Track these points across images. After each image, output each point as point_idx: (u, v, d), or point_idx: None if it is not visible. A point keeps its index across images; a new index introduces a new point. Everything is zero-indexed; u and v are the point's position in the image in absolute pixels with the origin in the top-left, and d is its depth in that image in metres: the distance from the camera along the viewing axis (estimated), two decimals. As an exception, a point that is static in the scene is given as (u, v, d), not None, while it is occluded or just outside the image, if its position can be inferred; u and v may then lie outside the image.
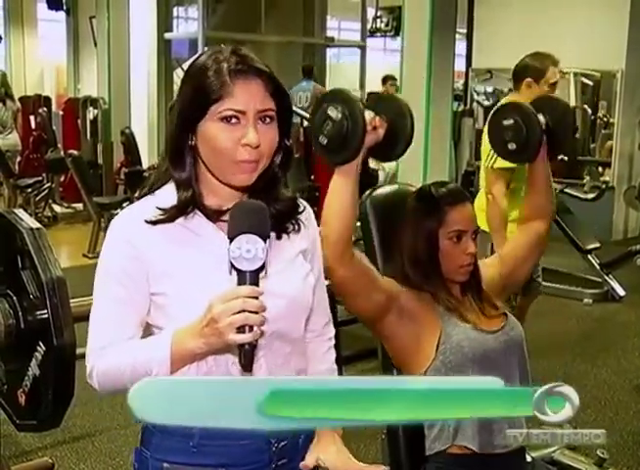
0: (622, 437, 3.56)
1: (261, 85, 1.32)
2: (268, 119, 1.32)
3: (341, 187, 1.72)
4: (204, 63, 1.33)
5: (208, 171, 1.36)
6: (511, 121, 2.04)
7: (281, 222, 1.41)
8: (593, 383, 4.25)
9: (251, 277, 1.20)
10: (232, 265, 1.20)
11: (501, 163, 3.43)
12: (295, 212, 1.45)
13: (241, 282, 1.20)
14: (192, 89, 1.33)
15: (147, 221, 1.35)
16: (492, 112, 2.18)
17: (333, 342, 1.58)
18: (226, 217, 1.33)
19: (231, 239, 1.20)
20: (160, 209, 1.35)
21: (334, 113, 1.65)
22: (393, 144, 1.73)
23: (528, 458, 2.11)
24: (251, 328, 1.19)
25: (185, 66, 9.43)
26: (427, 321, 1.92)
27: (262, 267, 1.20)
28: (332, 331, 1.58)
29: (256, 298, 1.19)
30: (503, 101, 3.83)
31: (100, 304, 1.38)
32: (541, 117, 2.04)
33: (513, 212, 3.35)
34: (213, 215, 1.37)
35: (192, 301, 1.29)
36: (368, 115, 1.67)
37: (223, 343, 1.22)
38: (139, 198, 1.42)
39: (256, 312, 1.19)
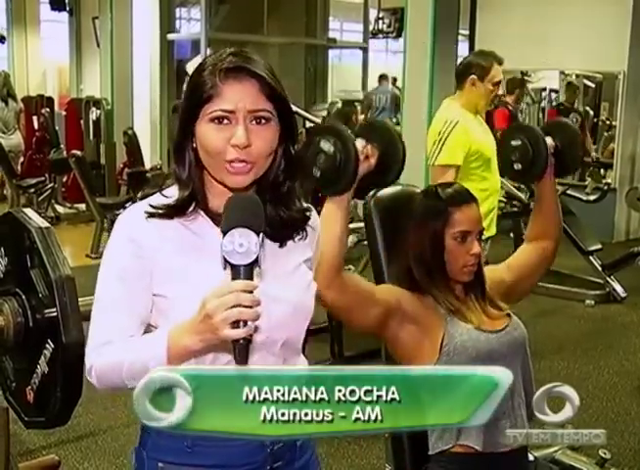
0: (624, 437, 3.57)
1: (256, 86, 1.30)
2: (263, 120, 1.30)
3: (332, 216, 1.74)
4: (203, 64, 1.33)
5: (208, 173, 1.36)
6: (519, 142, 2.08)
7: (288, 230, 1.41)
8: (595, 384, 4.26)
9: (244, 272, 1.19)
10: (225, 260, 1.19)
11: (442, 159, 3.42)
12: (303, 223, 1.44)
13: (235, 277, 1.19)
14: (189, 90, 1.34)
15: (146, 212, 1.34)
16: (502, 132, 2.27)
17: None
18: None
19: (224, 233, 1.20)
20: (160, 204, 1.35)
21: (326, 146, 1.67)
22: (385, 171, 1.76)
23: (531, 457, 2.12)
24: (245, 323, 1.17)
25: (188, 66, 9.47)
26: (429, 323, 1.93)
27: (256, 261, 1.19)
28: None
29: (251, 292, 1.18)
30: (447, 101, 3.76)
31: (101, 302, 1.37)
32: (550, 140, 2.08)
33: None
34: (217, 218, 1.35)
35: (195, 306, 1.27)
36: (360, 144, 1.69)
37: (218, 339, 1.20)
38: (142, 197, 1.42)
39: (250, 307, 1.17)
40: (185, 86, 1.40)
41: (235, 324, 1.17)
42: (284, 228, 1.39)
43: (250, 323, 1.18)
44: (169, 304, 1.34)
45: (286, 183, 1.39)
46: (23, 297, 2.03)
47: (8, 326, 2.04)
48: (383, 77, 10.86)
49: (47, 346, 1.96)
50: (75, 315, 1.92)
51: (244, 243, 1.18)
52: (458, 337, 1.90)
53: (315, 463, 1.51)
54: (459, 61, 4.86)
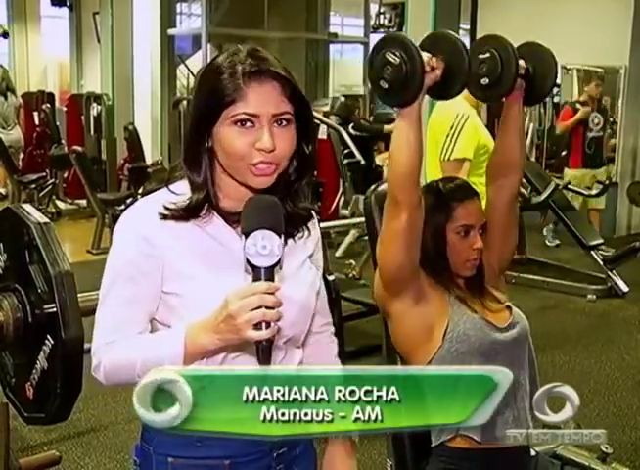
0: (625, 432, 3.58)
1: (277, 88, 1.29)
2: (285, 122, 1.31)
3: (406, 128, 1.75)
4: (219, 64, 1.32)
5: (226, 173, 1.35)
6: (487, 54, 1.93)
7: (293, 227, 1.42)
8: (596, 378, 4.26)
9: (266, 273, 1.20)
10: (248, 262, 1.20)
11: (458, 153, 3.36)
12: (306, 220, 1.45)
13: (256, 278, 1.20)
14: (206, 92, 1.32)
15: (160, 214, 1.33)
16: (472, 45, 2.03)
17: (334, 339, 1.59)
18: None
19: (246, 235, 1.20)
20: (173, 205, 1.34)
21: (392, 57, 1.70)
22: (451, 83, 1.78)
23: (532, 453, 2.12)
24: (268, 324, 1.18)
25: (188, 62, 9.47)
26: (437, 307, 1.93)
27: (278, 263, 1.20)
28: (332, 329, 1.59)
29: (273, 293, 1.19)
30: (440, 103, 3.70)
31: (109, 300, 1.36)
32: (522, 62, 1.94)
33: None
34: (230, 218, 1.35)
35: (209, 305, 1.26)
36: (425, 56, 1.71)
37: (240, 339, 1.21)
38: (146, 193, 1.41)
39: (273, 308, 1.18)
40: (196, 86, 1.37)
41: (257, 325, 1.18)
42: (287, 224, 1.37)
43: (272, 324, 1.19)
44: (184, 302, 1.33)
45: (296, 183, 1.40)
46: (23, 292, 2.03)
47: (7, 322, 2.04)
48: None
49: (46, 341, 1.96)
50: (75, 311, 1.92)
51: (267, 245, 1.20)
52: (462, 325, 1.90)
53: (312, 449, 1.53)
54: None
